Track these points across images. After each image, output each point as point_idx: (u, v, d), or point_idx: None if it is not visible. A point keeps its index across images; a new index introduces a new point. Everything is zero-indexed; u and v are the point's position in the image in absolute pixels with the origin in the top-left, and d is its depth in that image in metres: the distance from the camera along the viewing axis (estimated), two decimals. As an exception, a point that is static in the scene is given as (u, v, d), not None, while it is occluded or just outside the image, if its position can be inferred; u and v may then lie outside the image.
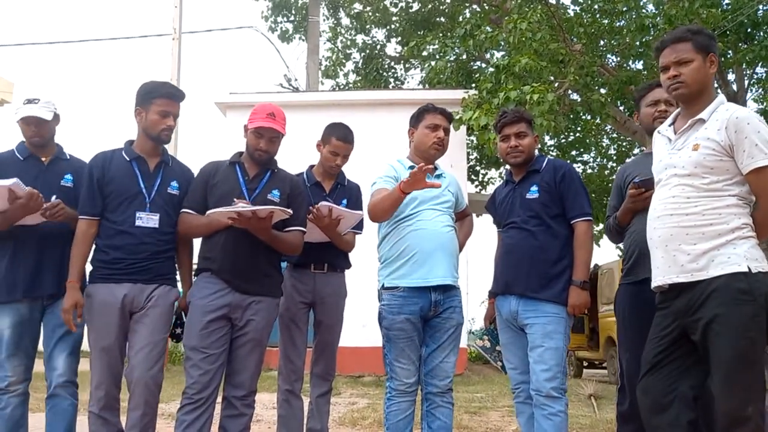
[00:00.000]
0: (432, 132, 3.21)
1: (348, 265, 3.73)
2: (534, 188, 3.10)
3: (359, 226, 3.60)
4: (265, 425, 5.10)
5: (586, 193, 3.13)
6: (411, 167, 3.14)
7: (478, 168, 14.38)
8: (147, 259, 2.98)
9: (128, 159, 3.04)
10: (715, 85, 12.46)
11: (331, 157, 3.56)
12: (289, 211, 2.99)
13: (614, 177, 3.55)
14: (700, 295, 2.36)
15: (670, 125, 2.64)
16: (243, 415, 3.07)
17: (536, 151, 3.28)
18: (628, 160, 4.72)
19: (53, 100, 3.23)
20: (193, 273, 3.18)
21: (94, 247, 3.01)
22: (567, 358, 12.64)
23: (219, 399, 3.06)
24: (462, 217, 3.49)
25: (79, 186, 3.20)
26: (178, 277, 3.22)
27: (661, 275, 2.50)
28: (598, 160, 14.25)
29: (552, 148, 13.47)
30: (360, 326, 6.69)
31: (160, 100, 3.01)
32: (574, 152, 13.20)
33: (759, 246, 2.43)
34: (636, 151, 13.22)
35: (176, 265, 3.19)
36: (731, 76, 12.56)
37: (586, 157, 13.12)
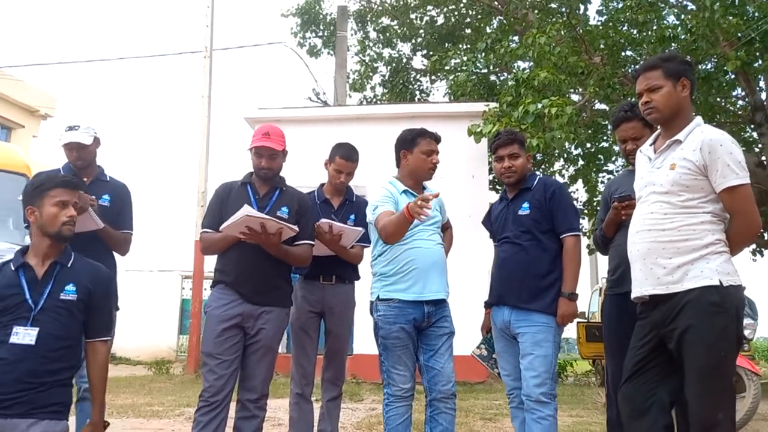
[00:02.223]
0: (428, 157, 3.37)
1: (356, 277, 3.96)
2: (525, 205, 3.29)
3: (367, 240, 3.81)
4: (276, 429, 5.32)
5: (574, 210, 3.32)
6: (404, 191, 3.34)
7: (502, 178, 14.49)
8: (19, 387, 2.42)
9: (14, 268, 2.58)
10: (743, 93, 12.41)
11: (336, 174, 3.81)
12: (296, 228, 3.23)
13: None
14: (675, 306, 2.51)
15: (650, 145, 2.80)
16: (255, 417, 3.30)
17: (530, 169, 3.46)
18: (613, 177, 4.84)
19: (93, 125, 3.53)
20: (210, 285, 3.43)
21: None
22: (594, 366, 12.65)
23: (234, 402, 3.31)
24: (443, 230, 3.65)
25: (116, 206, 3.52)
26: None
27: (638, 287, 2.66)
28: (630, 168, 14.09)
29: (577, 158, 13.52)
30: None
31: (55, 191, 2.60)
32: (599, 162, 13.19)
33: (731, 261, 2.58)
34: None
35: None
36: (762, 84, 12.42)
37: (611, 166, 13.13)
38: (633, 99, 3.35)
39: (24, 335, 2.44)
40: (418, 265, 3.23)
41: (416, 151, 3.39)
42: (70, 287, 2.59)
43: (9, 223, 6.51)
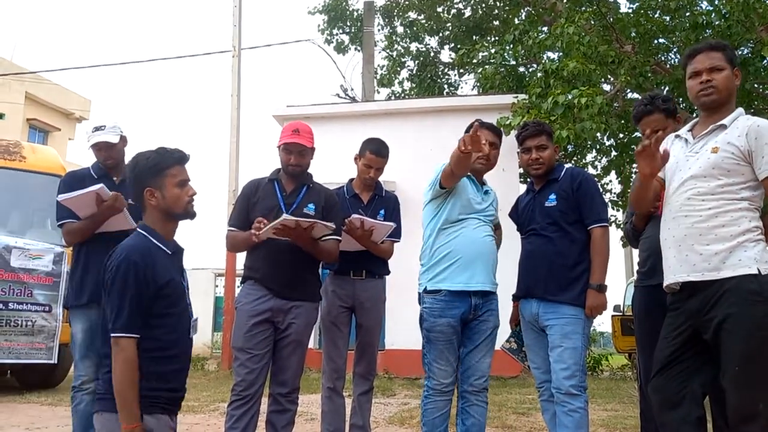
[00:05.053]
0: None
1: (386, 272, 3.97)
2: (552, 196, 3.26)
3: (397, 235, 3.84)
4: (309, 423, 5.37)
5: (602, 200, 3.29)
6: (466, 176, 3.30)
7: (533, 171, 14.37)
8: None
9: (170, 252, 2.39)
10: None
11: (365, 169, 3.82)
12: (332, 225, 3.26)
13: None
14: (713, 295, 2.46)
15: (688, 130, 2.76)
16: (288, 411, 3.35)
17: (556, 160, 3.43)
18: None
19: (119, 124, 3.60)
20: (240, 281, 3.49)
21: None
22: (631, 360, 12.50)
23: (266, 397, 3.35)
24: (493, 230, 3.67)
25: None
26: None
27: (672, 274, 2.61)
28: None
29: (610, 149, 13.33)
30: (417, 329, 6.95)
31: (174, 169, 2.38)
32: (632, 152, 12.98)
33: None
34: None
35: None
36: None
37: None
38: (665, 88, 3.28)
39: (194, 327, 2.42)
40: (463, 254, 3.23)
41: None
42: (185, 274, 2.50)
43: (47, 223, 6.72)
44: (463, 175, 3.21)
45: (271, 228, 3.13)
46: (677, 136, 2.79)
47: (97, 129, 3.54)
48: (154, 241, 2.32)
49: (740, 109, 2.63)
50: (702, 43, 2.78)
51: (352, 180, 3.99)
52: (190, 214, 2.42)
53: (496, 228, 3.64)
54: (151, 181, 2.33)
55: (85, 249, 3.47)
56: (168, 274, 2.27)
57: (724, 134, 2.55)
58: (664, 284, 2.67)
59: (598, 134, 9.55)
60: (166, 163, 2.34)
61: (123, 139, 3.60)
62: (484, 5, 15.13)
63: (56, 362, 6.40)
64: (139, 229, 2.36)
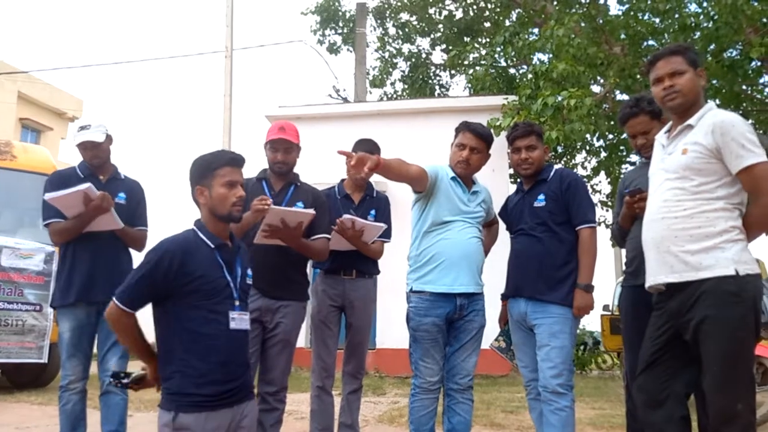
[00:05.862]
0: (459, 151, 3.37)
1: (377, 272, 4.00)
2: (541, 197, 3.29)
3: (387, 235, 3.87)
4: (298, 422, 5.39)
5: (590, 202, 3.32)
6: (453, 178, 3.34)
7: (523, 171, 14.44)
8: (242, 372, 2.43)
9: (213, 246, 2.41)
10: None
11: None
12: (312, 211, 3.24)
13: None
14: (691, 296, 2.48)
15: (665, 132, 2.80)
16: (275, 410, 3.37)
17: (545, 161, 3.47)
18: (629, 169, 4.85)
19: (104, 123, 3.60)
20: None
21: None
22: (620, 359, 12.61)
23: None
24: (489, 225, 3.66)
25: (132, 203, 3.59)
26: None
27: (652, 276, 2.65)
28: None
29: (599, 150, 13.41)
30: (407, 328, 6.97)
31: (224, 170, 2.43)
32: (621, 153, 13.07)
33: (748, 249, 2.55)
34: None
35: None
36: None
37: (633, 158, 12.97)
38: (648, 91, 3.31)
39: (240, 321, 2.38)
40: (447, 257, 3.24)
41: (453, 144, 3.44)
42: (249, 271, 2.54)
43: (38, 223, 6.70)
44: (406, 181, 3.21)
45: (289, 210, 3.15)
46: (656, 140, 2.83)
47: (82, 128, 3.53)
48: (201, 235, 2.40)
49: (709, 105, 2.64)
50: (662, 48, 2.81)
51: (343, 180, 4.02)
52: (234, 218, 2.45)
53: (493, 222, 3.67)
54: (201, 180, 2.42)
55: (72, 248, 3.47)
56: (202, 269, 2.32)
57: (692, 133, 2.57)
58: (646, 285, 2.70)
59: (587, 135, 9.62)
60: (217, 163, 2.42)
61: (109, 138, 3.59)
62: (475, 7, 15.22)
63: (47, 361, 6.39)
64: (193, 224, 2.46)
